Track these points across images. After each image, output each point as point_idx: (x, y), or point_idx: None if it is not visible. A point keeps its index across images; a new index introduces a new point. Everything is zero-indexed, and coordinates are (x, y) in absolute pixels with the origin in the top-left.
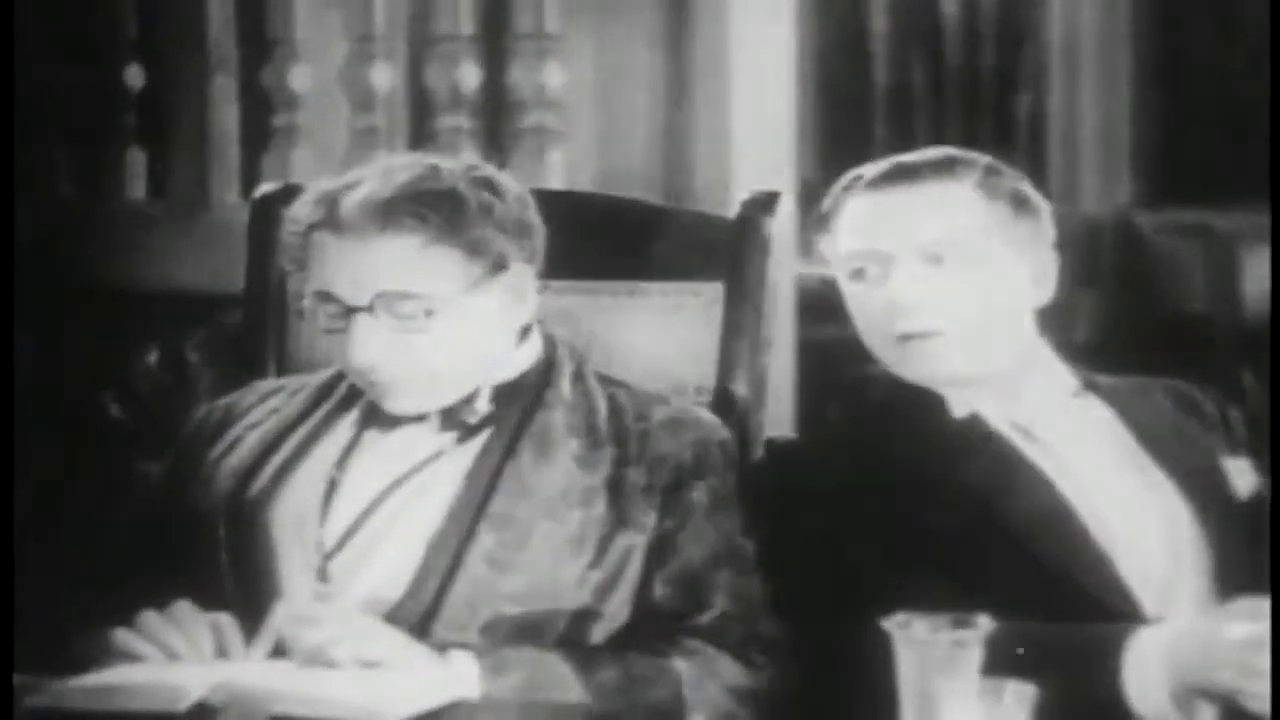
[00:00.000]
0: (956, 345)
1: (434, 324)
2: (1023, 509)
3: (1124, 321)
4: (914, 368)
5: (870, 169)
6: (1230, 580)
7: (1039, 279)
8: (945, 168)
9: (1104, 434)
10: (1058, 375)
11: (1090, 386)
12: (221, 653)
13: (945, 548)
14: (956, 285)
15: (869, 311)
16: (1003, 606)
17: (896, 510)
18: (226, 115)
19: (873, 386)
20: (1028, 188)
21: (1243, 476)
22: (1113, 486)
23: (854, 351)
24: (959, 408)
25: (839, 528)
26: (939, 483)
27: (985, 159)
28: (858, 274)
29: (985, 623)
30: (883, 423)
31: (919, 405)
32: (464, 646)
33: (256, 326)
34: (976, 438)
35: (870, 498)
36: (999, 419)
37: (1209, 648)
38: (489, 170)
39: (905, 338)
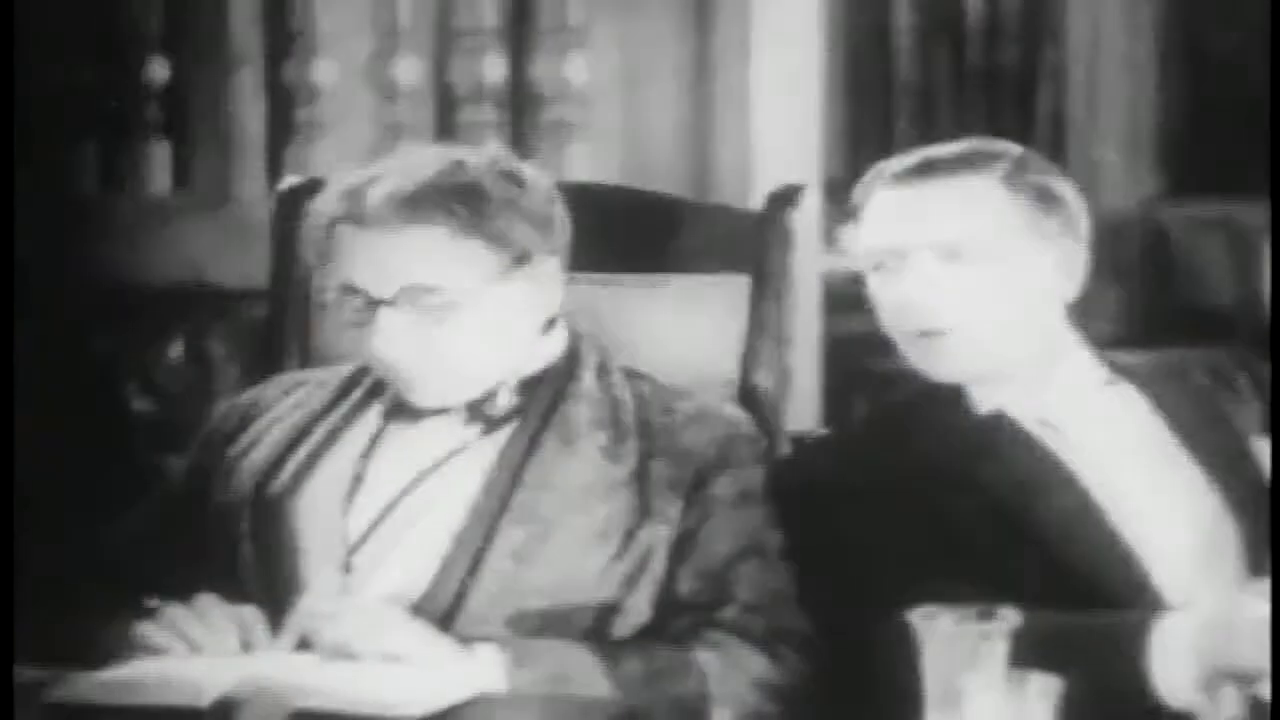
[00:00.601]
0: (972, 342)
1: (458, 316)
2: (1047, 506)
3: (1146, 315)
4: (933, 364)
5: (897, 162)
6: (1263, 567)
7: (1068, 272)
8: (969, 161)
9: (1134, 424)
10: (1088, 366)
11: (1123, 373)
12: (246, 646)
13: (969, 544)
14: (972, 282)
15: (888, 307)
16: (1028, 603)
17: (921, 506)
18: (250, 109)
19: (898, 381)
20: (1055, 181)
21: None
22: (1141, 480)
23: (879, 346)
24: (984, 402)
25: (865, 522)
26: (962, 479)
27: (1016, 151)
28: (878, 268)
29: (1011, 615)
30: (909, 418)
31: (943, 401)
32: (488, 640)
33: (280, 320)
34: (1000, 433)
35: (895, 493)
36: (1026, 412)
37: (1233, 629)
38: (514, 163)
39: (922, 334)
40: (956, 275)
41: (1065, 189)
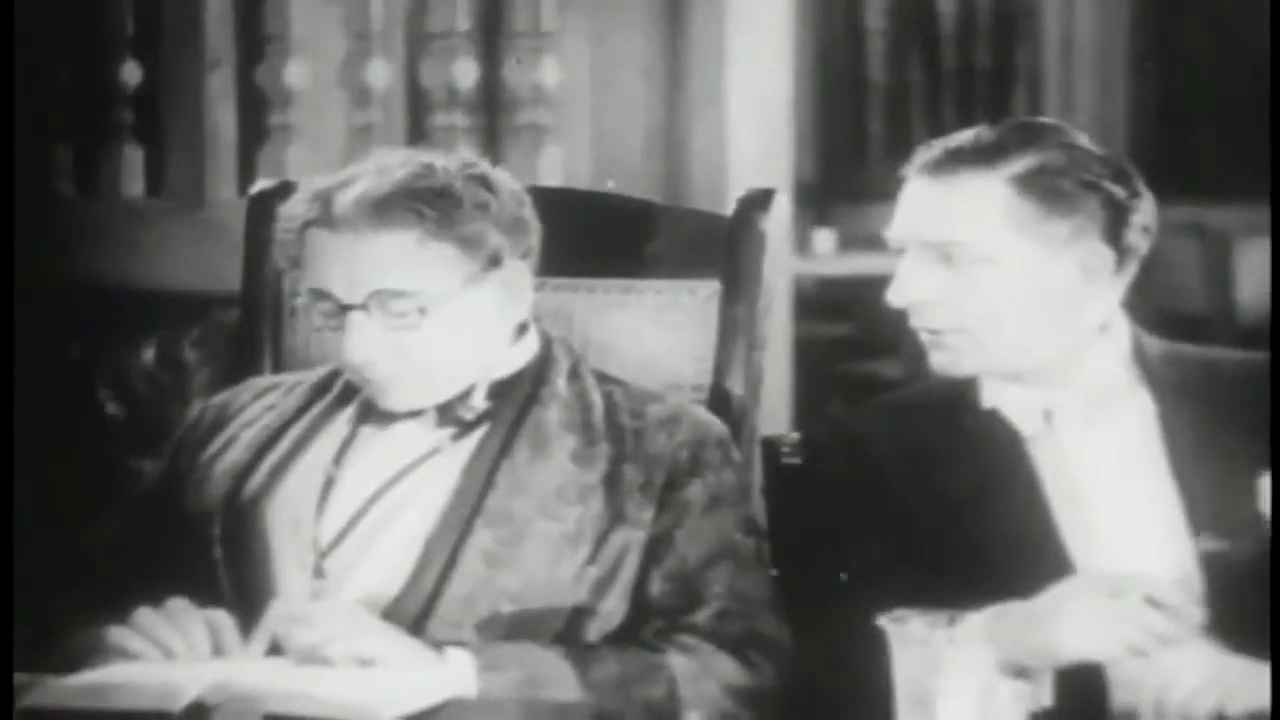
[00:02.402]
0: (967, 342)
1: (428, 321)
2: (1009, 519)
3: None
4: (934, 358)
5: (932, 149)
6: (1232, 614)
7: (1091, 270)
8: (987, 157)
9: (1130, 443)
10: (1110, 369)
11: (1151, 376)
12: (217, 650)
13: (937, 548)
14: (963, 285)
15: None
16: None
17: (902, 507)
18: (223, 112)
19: (868, 385)
20: (1076, 181)
21: None
22: (1114, 504)
23: (850, 350)
24: (995, 396)
25: (840, 526)
26: (950, 479)
27: (1060, 138)
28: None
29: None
30: (910, 413)
31: (948, 395)
32: (460, 644)
33: (253, 324)
34: (993, 434)
35: (877, 495)
36: (1034, 410)
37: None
38: (484, 167)
39: (921, 330)
40: (945, 278)
41: (1091, 187)
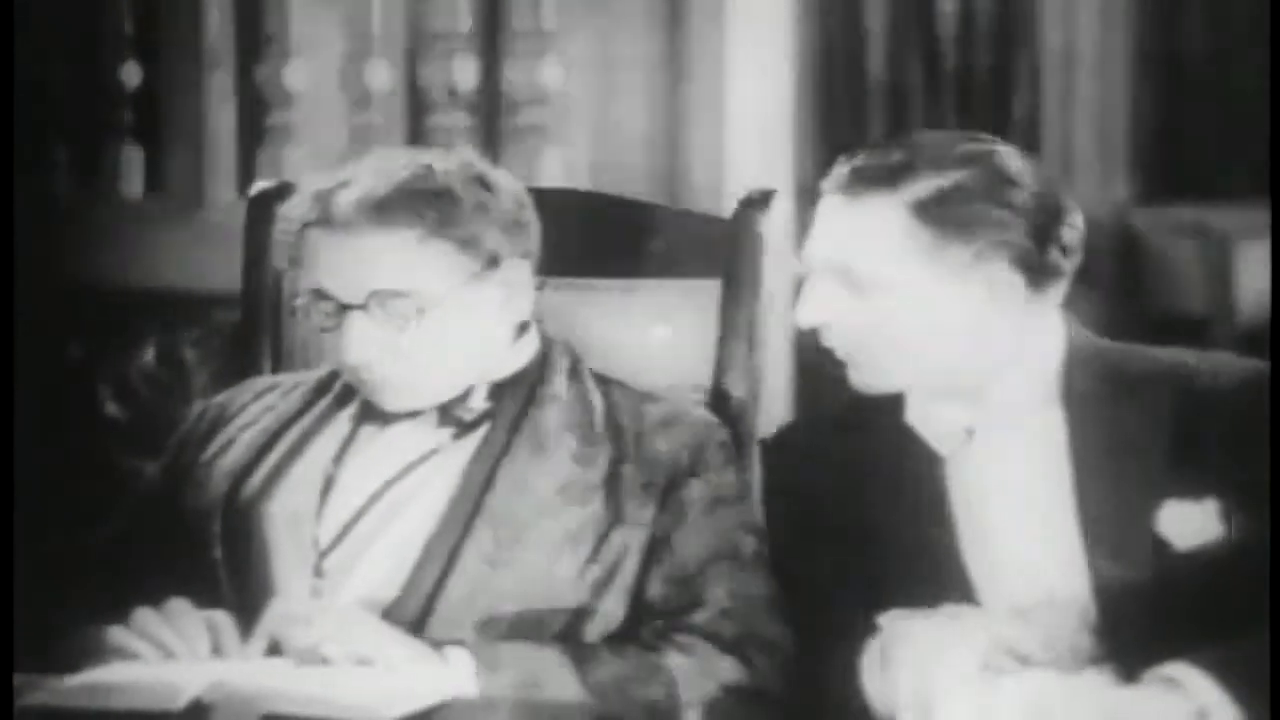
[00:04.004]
0: (861, 364)
1: (428, 321)
2: (916, 539)
3: (1119, 320)
4: (852, 377)
5: (841, 167)
6: (1126, 643)
7: (1000, 294)
8: (890, 179)
9: (1039, 461)
10: (1025, 387)
11: (1070, 394)
12: (217, 651)
13: (856, 565)
14: (866, 308)
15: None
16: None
17: (826, 521)
18: (222, 113)
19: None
20: (983, 206)
21: (1190, 523)
22: (1012, 526)
23: None
24: (913, 412)
25: (822, 527)
26: (870, 495)
27: (959, 171)
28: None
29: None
30: (852, 423)
31: (878, 408)
32: (460, 644)
33: (252, 324)
34: (913, 450)
35: (809, 508)
36: (956, 425)
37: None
38: (483, 167)
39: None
40: (851, 298)
41: (994, 219)
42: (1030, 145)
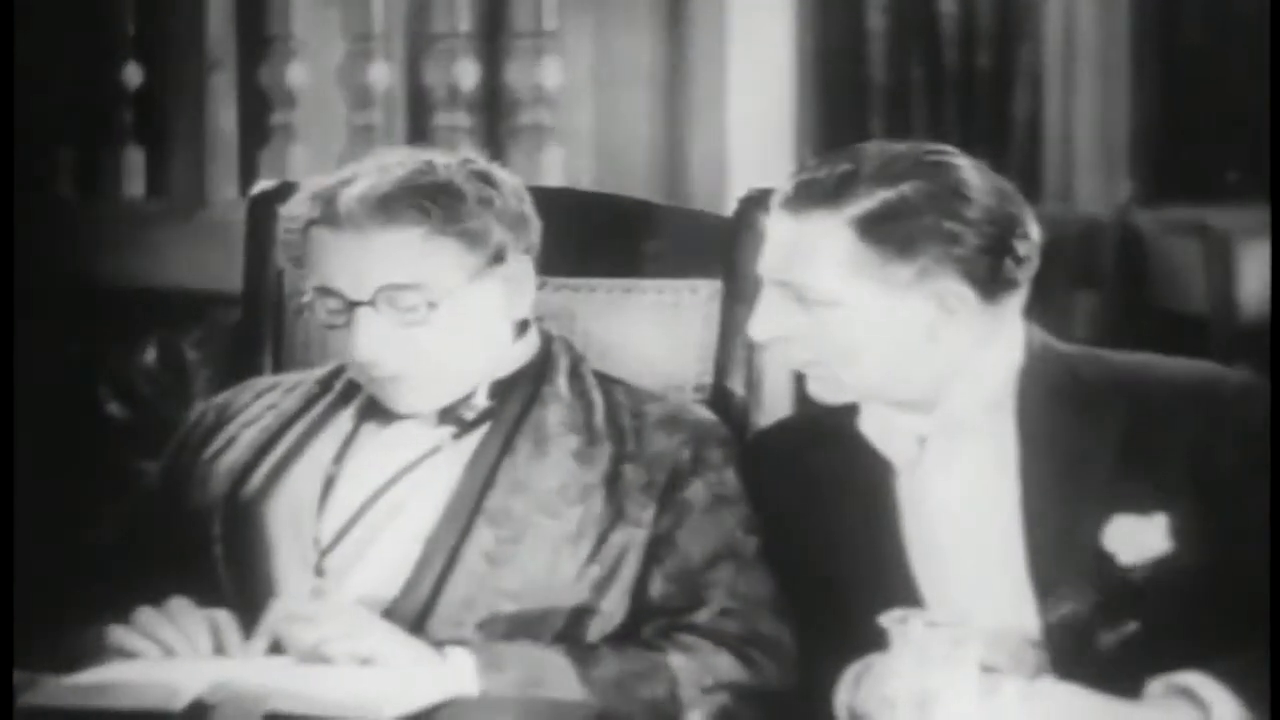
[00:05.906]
0: (815, 376)
1: (436, 316)
2: (868, 551)
3: (1121, 320)
4: (809, 388)
5: (788, 183)
6: (1071, 660)
7: (950, 305)
8: (833, 195)
9: (989, 474)
10: (972, 399)
11: (1024, 406)
12: (218, 649)
13: (813, 576)
14: (815, 323)
15: None
16: None
17: (785, 532)
18: (224, 113)
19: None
20: (928, 221)
21: (1137, 537)
22: (964, 541)
23: None
24: (867, 422)
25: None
26: (826, 505)
27: (904, 185)
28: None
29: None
30: (803, 438)
31: (837, 418)
32: (461, 643)
33: (253, 324)
34: (866, 460)
35: (773, 517)
36: (909, 435)
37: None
38: (483, 163)
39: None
40: (801, 314)
41: (939, 234)
42: (1031, 145)
